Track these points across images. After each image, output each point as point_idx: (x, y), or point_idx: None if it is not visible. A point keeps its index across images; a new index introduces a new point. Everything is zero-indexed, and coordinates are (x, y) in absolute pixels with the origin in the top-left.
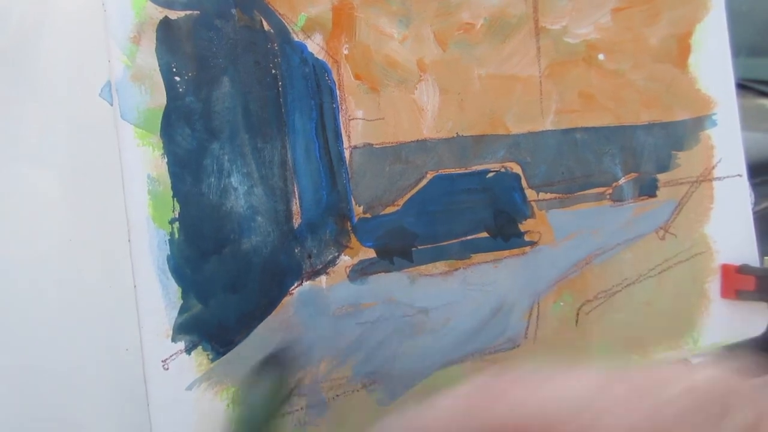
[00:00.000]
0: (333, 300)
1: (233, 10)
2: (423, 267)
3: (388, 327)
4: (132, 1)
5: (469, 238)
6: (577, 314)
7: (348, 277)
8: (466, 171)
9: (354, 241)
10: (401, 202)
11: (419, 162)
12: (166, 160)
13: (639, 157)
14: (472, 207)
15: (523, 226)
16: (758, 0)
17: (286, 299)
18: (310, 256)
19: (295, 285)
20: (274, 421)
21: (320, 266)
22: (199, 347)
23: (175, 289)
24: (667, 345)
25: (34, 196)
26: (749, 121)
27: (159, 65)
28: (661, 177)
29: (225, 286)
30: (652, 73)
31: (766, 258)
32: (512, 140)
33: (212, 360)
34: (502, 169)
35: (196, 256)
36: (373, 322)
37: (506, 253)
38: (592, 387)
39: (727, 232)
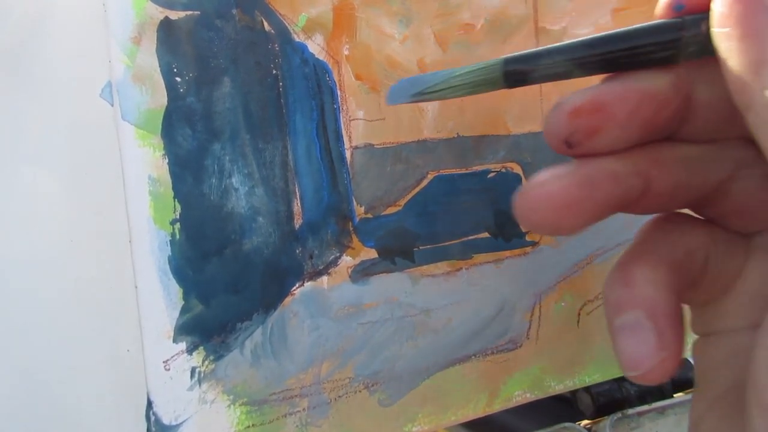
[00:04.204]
0: (335, 300)
1: (234, 11)
2: (425, 267)
3: (390, 327)
4: (132, 1)
5: (470, 238)
6: (579, 314)
7: (350, 277)
8: (467, 171)
9: (355, 241)
10: (402, 202)
11: (420, 162)
12: (167, 160)
13: None
14: (473, 207)
15: None
16: None
17: (288, 300)
18: (311, 257)
19: (297, 285)
20: None
21: (322, 267)
22: (201, 348)
23: (177, 290)
24: None
25: (34, 197)
26: None
27: (160, 65)
28: None
29: (226, 286)
30: None
31: None
32: (513, 140)
33: (213, 361)
34: (503, 170)
35: (197, 256)
36: (374, 322)
37: (507, 253)
38: None
39: None
